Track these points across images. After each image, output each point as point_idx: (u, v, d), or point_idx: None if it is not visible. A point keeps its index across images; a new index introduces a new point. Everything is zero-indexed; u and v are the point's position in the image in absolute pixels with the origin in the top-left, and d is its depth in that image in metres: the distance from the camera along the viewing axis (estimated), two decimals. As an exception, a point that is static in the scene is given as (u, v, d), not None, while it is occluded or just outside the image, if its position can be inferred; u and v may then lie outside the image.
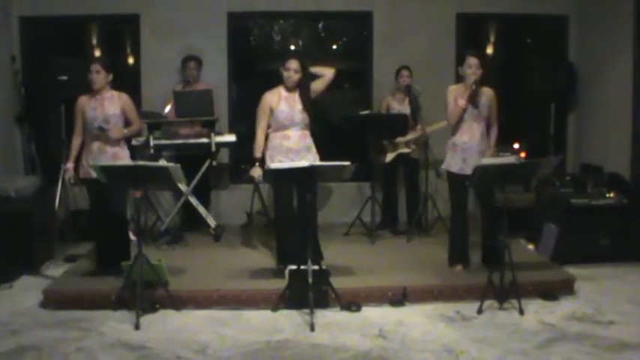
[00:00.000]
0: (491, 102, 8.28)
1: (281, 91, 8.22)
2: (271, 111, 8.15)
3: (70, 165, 8.22)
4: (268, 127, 8.23)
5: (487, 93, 8.26)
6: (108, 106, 8.12)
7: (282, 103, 8.14)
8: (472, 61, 8.07)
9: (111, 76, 8.21)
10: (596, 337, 6.51)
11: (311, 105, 8.17)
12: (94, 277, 8.04)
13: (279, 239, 8.42)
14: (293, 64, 8.14)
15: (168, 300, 7.39)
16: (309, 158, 8.00)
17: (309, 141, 8.25)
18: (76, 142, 8.24)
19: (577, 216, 9.03)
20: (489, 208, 8.26)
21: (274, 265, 8.37)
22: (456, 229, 8.39)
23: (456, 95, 8.17)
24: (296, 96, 8.17)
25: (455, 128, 8.25)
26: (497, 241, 7.74)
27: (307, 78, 8.22)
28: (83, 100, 8.16)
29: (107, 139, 8.07)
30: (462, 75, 8.21)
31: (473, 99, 8.08)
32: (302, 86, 8.17)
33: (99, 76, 8.08)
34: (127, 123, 8.30)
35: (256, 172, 8.09)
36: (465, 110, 8.10)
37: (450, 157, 8.28)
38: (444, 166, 8.40)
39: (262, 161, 8.15)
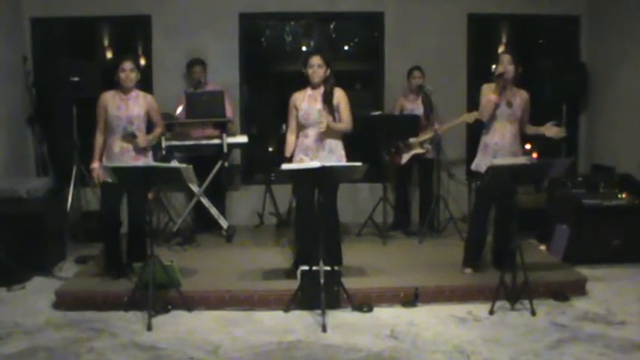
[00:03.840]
0: (526, 104, 8.16)
1: (308, 90, 8.21)
2: (296, 110, 8.17)
3: (96, 164, 8.05)
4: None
5: (522, 95, 8.15)
6: (133, 106, 8.00)
7: (304, 102, 8.14)
8: (504, 57, 8.00)
9: (139, 76, 8.14)
10: (608, 338, 6.49)
11: (332, 105, 8.10)
12: (106, 278, 8.05)
13: (297, 241, 8.44)
14: (315, 59, 8.09)
15: (180, 301, 7.40)
16: (331, 159, 7.95)
17: (330, 142, 8.13)
18: (100, 140, 8.09)
19: (589, 217, 9.02)
20: (505, 211, 8.20)
21: (286, 266, 8.39)
22: (477, 231, 8.33)
23: (489, 92, 8.04)
24: (319, 95, 8.14)
25: (487, 128, 8.16)
26: (511, 244, 7.75)
27: (331, 76, 8.20)
28: (107, 97, 8.01)
29: (134, 144, 7.97)
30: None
31: (503, 92, 7.94)
32: (326, 85, 8.13)
33: (132, 74, 7.98)
34: (149, 123, 8.26)
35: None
36: (497, 106, 7.99)
37: (481, 158, 8.18)
38: (473, 167, 8.31)
39: (291, 160, 8.18)
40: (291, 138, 8.28)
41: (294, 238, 8.60)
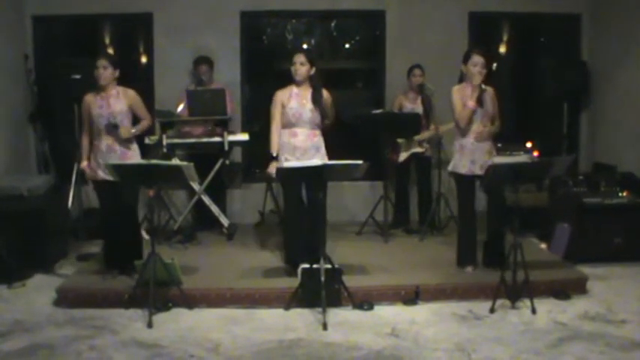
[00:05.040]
0: (493, 100, 8.21)
1: (292, 88, 8.24)
2: (283, 107, 8.17)
3: (85, 164, 8.16)
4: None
5: (489, 91, 8.15)
6: (114, 103, 7.99)
7: (292, 100, 8.16)
8: (477, 59, 7.96)
9: (117, 73, 8.07)
10: (609, 337, 6.50)
11: (322, 104, 8.17)
12: (106, 276, 8.04)
13: (287, 238, 8.45)
14: (297, 57, 8.16)
15: (181, 298, 7.41)
16: (318, 157, 7.99)
17: (317, 140, 8.25)
18: (86, 141, 8.18)
19: (590, 215, 9.02)
20: (498, 209, 8.24)
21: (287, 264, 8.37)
22: (465, 231, 8.35)
23: (461, 96, 8.07)
24: (308, 94, 8.17)
25: (462, 131, 8.15)
26: (503, 245, 7.94)
27: (318, 76, 8.23)
28: (89, 98, 8.05)
29: (117, 138, 7.97)
30: (465, 73, 8.09)
31: (481, 99, 8.02)
32: (314, 85, 8.18)
33: (105, 72, 7.94)
34: (135, 119, 8.22)
35: (274, 169, 8.08)
36: (474, 112, 8.03)
37: (458, 158, 8.18)
38: (450, 168, 8.28)
39: (278, 158, 8.18)
40: (276, 135, 8.24)
41: (284, 235, 8.59)
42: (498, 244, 8.17)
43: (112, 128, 7.92)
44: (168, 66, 11.18)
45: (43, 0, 11.08)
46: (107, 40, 11.65)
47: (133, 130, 8.12)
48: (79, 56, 10.64)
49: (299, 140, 8.15)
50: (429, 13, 11.50)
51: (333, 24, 12.12)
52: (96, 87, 8.05)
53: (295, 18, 12.05)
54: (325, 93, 8.28)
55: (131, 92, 8.20)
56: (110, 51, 11.49)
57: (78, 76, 9.89)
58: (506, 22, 12.04)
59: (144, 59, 11.59)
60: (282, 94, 8.24)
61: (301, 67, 8.12)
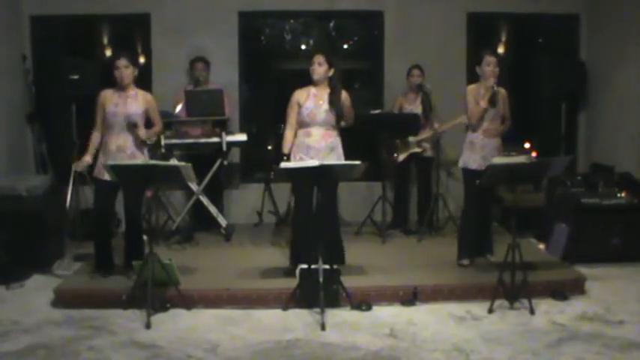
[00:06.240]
0: (505, 100, 8.40)
1: (311, 88, 8.20)
2: (299, 107, 8.15)
3: (87, 158, 8.06)
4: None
5: (502, 92, 8.35)
6: (131, 104, 7.95)
7: (308, 100, 8.12)
8: (490, 59, 8.19)
9: (137, 72, 8.08)
10: (607, 337, 6.49)
11: (338, 106, 8.11)
12: (96, 276, 8.06)
13: (294, 239, 8.43)
14: (316, 57, 8.13)
15: (179, 299, 7.40)
16: (332, 158, 7.97)
17: (332, 141, 8.17)
18: (96, 138, 8.09)
19: (588, 216, 9.01)
20: (487, 207, 8.57)
21: (285, 265, 8.36)
22: (469, 225, 8.45)
23: (474, 95, 8.28)
24: (325, 95, 8.12)
25: (473, 127, 8.32)
26: (487, 238, 8.47)
27: (337, 77, 8.19)
28: (106, 95, 8.00)
29: (134, 138, 7.90)
30: (480, 74, 8.29)
31: (493, 100, 8.10)
32: (332, 86, 8.15)
33: (127, 71, 7.91)
34: (147, 122, 8.19)
35: None
36: (485, 110, 8.14)
37: (468, 155, 8.35)
38: (460, 165, 8.44)
39: (289, 157, 8.17)
40: (289, 134, 8.24)
41: (292, 236, 8.58)
42: (485, 232, 8.58)
43: (131, 127, 7.89)
44: (166, 66, 11.17)
45: (41, 0, 11.07)
46: (105, 41, 11.65)
47: (149, 133, 8.11)
48: (77, 56, 10.67)
49: (313, 140, 8.11)
50: (427, 14, 11.50)
51: (331, 24, 12.13)
52: (116, 86, 8.01)
53: (293, 18, 12.06)
54: (344, 95, 8.19)
55: (150, 96, 8.19)
56: (108, 52, 11.50)
57: (76, 77, 9.91)
58: (504, 23, 12.04)
59: (141, 59, 11.55)
60: (300, 94, 8.21)
61: (319, 67, 8.09)
